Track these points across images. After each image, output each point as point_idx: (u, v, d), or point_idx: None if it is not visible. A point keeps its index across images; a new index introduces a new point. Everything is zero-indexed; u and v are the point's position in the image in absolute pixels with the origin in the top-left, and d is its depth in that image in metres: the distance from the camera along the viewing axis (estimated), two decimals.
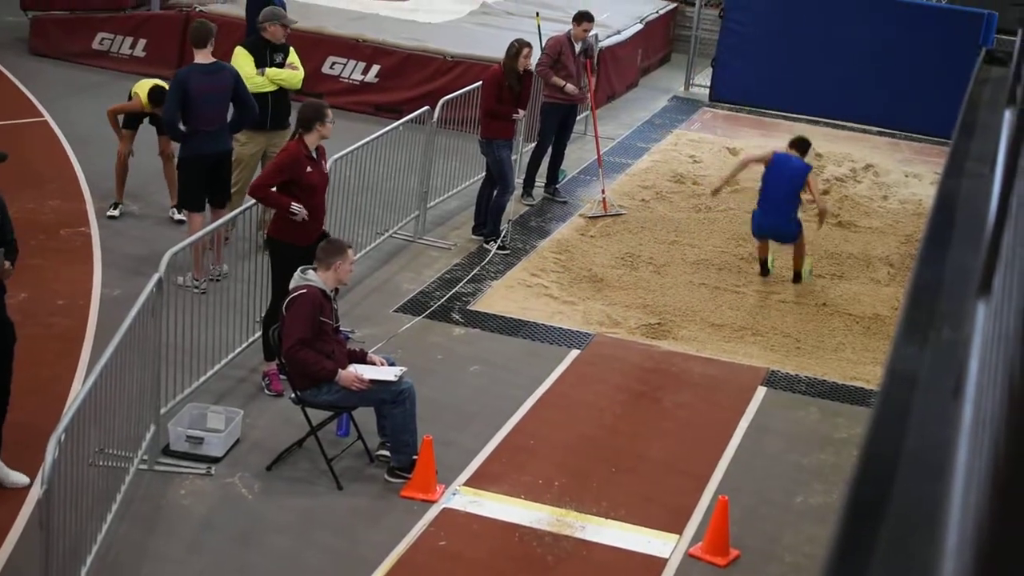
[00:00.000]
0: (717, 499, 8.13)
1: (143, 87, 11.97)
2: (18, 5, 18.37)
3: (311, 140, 9.24)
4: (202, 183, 10.79)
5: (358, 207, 11.73)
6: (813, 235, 12.74)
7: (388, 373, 8.39)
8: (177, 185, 11.92)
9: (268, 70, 11.37)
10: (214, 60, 10.80)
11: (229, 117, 10.88)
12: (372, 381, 8.26)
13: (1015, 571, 1.49)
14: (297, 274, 8.40)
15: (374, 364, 8.51)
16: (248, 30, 13.21)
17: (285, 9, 14.36)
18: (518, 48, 12.43)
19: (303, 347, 8.13)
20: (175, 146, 11.85)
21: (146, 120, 12.13)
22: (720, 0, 20.77)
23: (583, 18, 13.79)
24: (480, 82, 14.05)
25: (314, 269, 8.40)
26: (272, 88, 11.39)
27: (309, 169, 9.25)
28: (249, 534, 7.78)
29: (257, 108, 10.98)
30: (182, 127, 10.62)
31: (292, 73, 11.52)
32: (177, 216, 12.11)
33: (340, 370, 8.21)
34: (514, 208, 13.80)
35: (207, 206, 10.90)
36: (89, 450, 7.25)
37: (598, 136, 14.71)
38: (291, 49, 11.80)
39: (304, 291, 8.21)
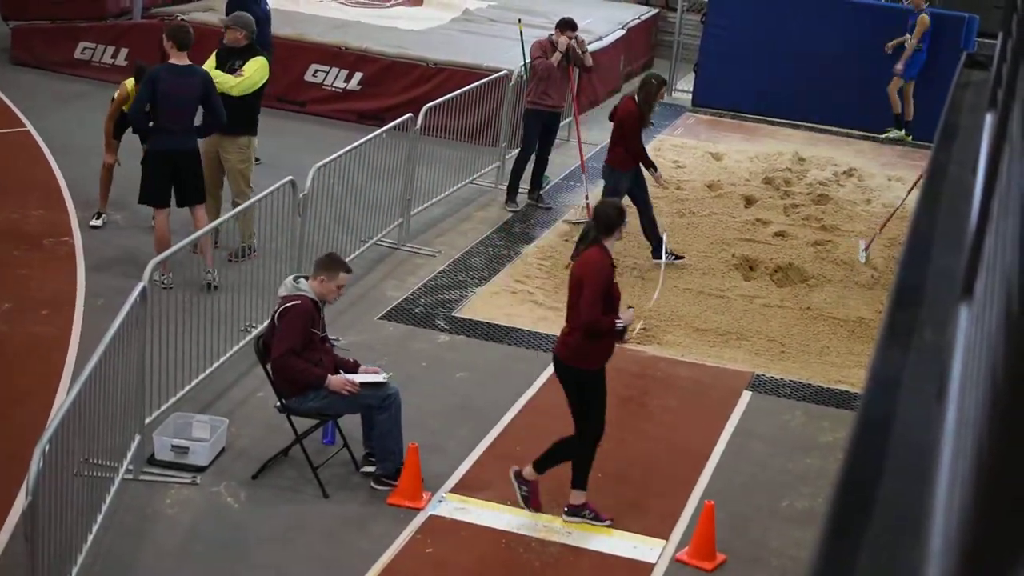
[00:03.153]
0: (703, 504, 8.13)
1: (128, 81, 11.98)
2: None
3: (611, 245, 8.08)
4: (163, 179, 10.91)
5: (341, 215, 11.72)
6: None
7: (376, 376, 8.41)
8: None
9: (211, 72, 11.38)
10: (188, 63, 10.90)
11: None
12: (361, 384, 8.27)
13: (998, 573, 1.49)
14: (289, 282, 8.38)
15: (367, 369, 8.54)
16: None
17: (269, 16, 14.38)
18: (657, 86, 12.46)
19: (292, 356, 8.13)
20: None
21: (129, 129, 12.11)
22: (702, 6, 20.82)
23: (567, 26, 13.83)
24: (460, 90, 14.14)
25: (306, 278, 8.38)
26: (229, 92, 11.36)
27: (615, 279, 8.17)
28: (235, 543, 7.76)
29: (225, 116, 11.02)
30: (149, 123, 10.84)
31: (225, 77, 11.43)
32: None
33: (329, 375, 8.22)
34: (499, 215, 13.82)
35: (188, 208, 11.00)
36: (74, 460, 7.23)
37: (581, 142, 14.73)
38: (256, 58, 11.70)
39: (297, 303, 8.19)
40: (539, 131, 13.92)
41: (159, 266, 10.15)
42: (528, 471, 8.21)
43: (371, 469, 8.50)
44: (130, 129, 12.10)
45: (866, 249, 13.11)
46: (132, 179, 12.50)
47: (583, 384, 8.00)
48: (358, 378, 8.32)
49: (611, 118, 12.82)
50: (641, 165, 12.55)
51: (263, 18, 14.15)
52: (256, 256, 11.32)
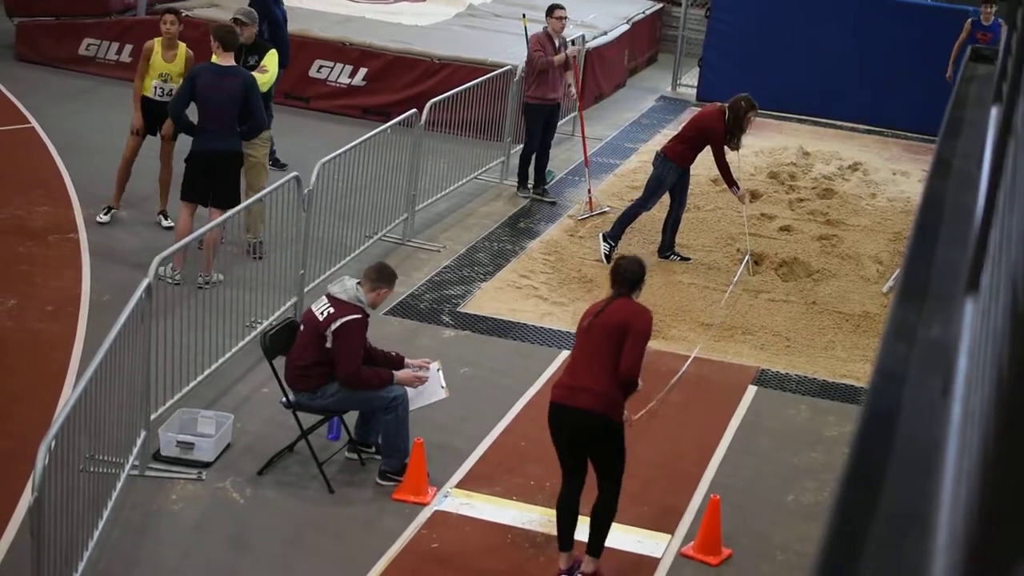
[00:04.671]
0: (709, 498, 8.14)
1: (157, 40, 11.91)
2: (3, 11, 18.33)
3: (637, 297, 7.71)
4: (196, 177, 10.89)
5: (346, 210, 11.73)
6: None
7: (434, 387, 8.59)
8: (169, 190, 11.97)
9: None
10: (232, 64, 10.87)
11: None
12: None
13: (1004, 568, 1.49)
14: (351, 286, 8.27)
15: (413, 370, 8.60)
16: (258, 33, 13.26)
17: (286, 17, 14.33)
18: (746, 109, 12.11)
19: (361, 369, 8.23)
20: (176, 150, 11.87)
21: (156, 134, 12.03)
22: (706, 0, 20.80)
23: (554, 8, 13.93)
24: (464, 86, 14.17)
25: (360, 284, 8.37)
26: None
27: None
28: (241, 539, 7.77)
29: (265, 118, 11.06)
30: (192, 122, 10.90)
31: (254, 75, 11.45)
32: (165, 222, 12.09)
33: (395, 372, 8.38)
34: (504, 210, 13.81)
35: (209, 208, 10.93)
36: (80, 457, 7.25)
37: (585, 136, 14.73)
38: (271, 51, 11.81)
39: (357, 317, 8.19)
40: (541, 124, 13.97)
41: (171, 261, 10.18)
42: (588, 565, 7.59)
43: (354, 456, 8.62)
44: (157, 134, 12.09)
45: (893, 281, 12.89)
46: (139, 176, 12.47)
47: (613, 435, 7.42)
48: (419, 402, 8.52)
49: (697, 119, 12.65)
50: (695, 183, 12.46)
51: (281, 20, 14.11)
52: (264, 257, 11.34)
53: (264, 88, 11.51)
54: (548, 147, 14.29)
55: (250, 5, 14.04)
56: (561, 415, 7.46)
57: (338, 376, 8.22)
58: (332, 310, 8.20)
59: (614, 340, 7.32)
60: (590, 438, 7.44)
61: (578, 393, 7.35)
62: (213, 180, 10.85)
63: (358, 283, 8.33)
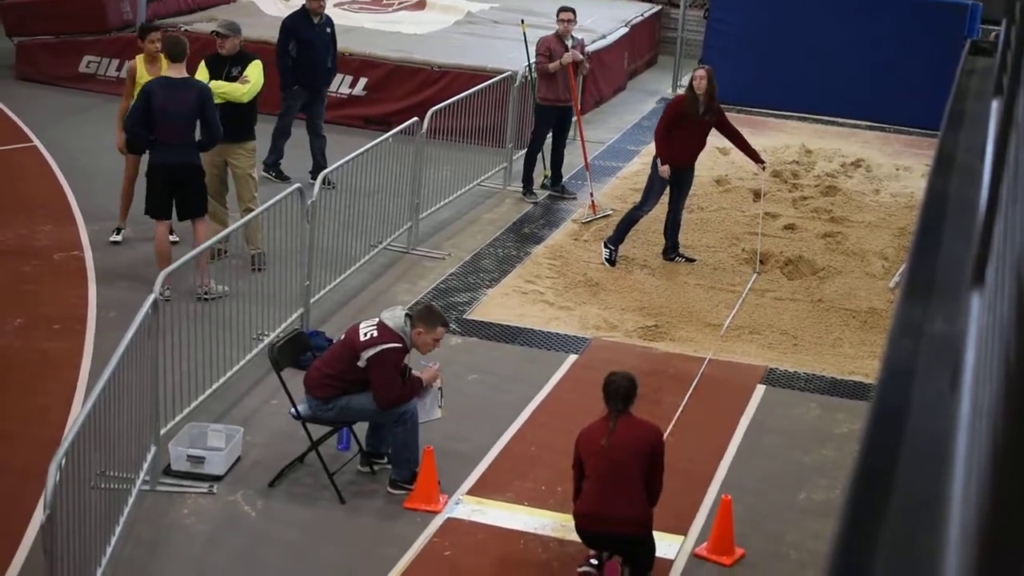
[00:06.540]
0: (720, 499, 8.13)
1: (140, 56, 11.93)
2: (2, 31, 18.36)
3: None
4: (162, 192, 10.85)
5: (350, 220, 11.73)
6: None
7: (432, 406, 8.59)
8: None
9: (212, 82, 11.35)
10: (184, 76, 10.84)
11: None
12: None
13: (1017, 560, 1.49)
14: (401, 317, 8.27)
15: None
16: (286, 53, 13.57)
17: (325, 36, 14.28)
18: (693, 73, 12.36)
19: (398, 397, 8.26)
20: None
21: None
22: (704, 1, 20.81)
23: (559, 11, 14.18)
24: (465, 93, 14.22)
25: (410, 316, 8.35)
26: (221, 101, 11.30)
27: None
28: (253, 551, 7.77)
29: (221, 130, 10.91)
30: (150, 137, 10.79)
31: (233, 86, 11.44)
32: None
33: (420, 377, 8.46)
34: (507, 216, 13.82)
35: (191, 222, 10.97)
36: (90, 473, 7.25)
37: (584, 140, 14.74)
38: (255, 62, 11.76)
39: (396, 346, 8.19)
40: (551, 125, 14.12)
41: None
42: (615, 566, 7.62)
43: (366, 469, 8.62)
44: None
45: (899, 276, 12.82)
46: (141, 193, 12.47)
47: (648, 538, 7.53)
48: (421, 416, 8.49)
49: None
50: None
51: (313, 41, 14.04)
52: (265, 269, 11.34)
53: (245, 99, 11.49)
54: (562, 148, 14.49)
55: (283, 24, 14.08)
56: (597, 539, 7.51)
57: (379, 406, 8.25)
58: (375, 334, 8.22)
59: (640, 462, 7.36)
60: (628, 550, 7.54)
61: (616, 524, 7.36)
62: (177, 193, 10.84)
63: (408, 315, 8.33)
